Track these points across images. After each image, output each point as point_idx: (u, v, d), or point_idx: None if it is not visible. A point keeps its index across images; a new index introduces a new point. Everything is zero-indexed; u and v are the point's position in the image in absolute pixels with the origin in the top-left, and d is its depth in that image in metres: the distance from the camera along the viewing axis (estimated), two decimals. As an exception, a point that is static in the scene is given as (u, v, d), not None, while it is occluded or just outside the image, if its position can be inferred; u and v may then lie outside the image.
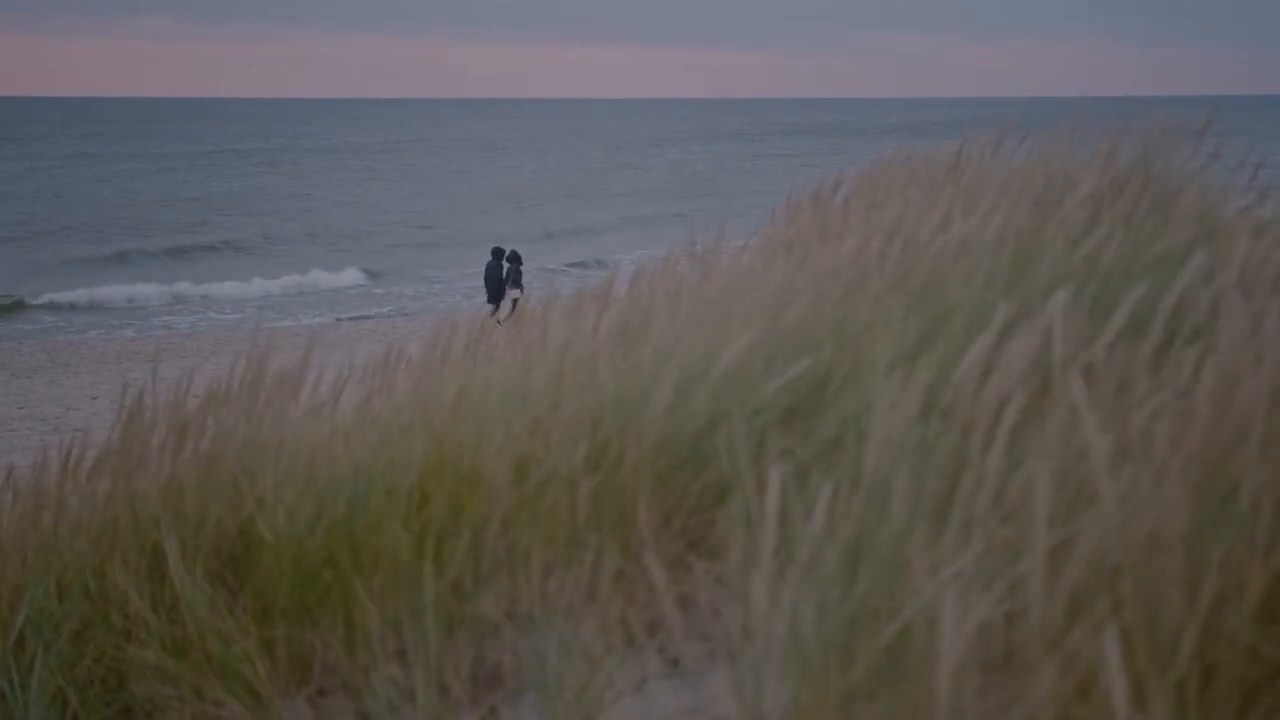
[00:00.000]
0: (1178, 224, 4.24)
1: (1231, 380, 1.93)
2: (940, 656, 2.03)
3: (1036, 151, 5.45)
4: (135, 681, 3.43)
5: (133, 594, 3.50)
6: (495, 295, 18.24)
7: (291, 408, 4.10)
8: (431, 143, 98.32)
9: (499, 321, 5.04)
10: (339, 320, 30.38)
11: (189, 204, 52.19)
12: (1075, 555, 2.11)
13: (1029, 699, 1.95)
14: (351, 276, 38.21)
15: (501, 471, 3.69)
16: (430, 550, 3.51)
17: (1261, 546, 1.94)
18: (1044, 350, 2.25)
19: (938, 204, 4.10)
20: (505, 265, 18.64)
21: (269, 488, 3.77)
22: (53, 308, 31.40)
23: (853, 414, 3.39)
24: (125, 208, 50.85)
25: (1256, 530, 1.98)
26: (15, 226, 43.15)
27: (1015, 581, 2.06)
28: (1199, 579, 1.95)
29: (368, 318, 30.76)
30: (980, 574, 2.07)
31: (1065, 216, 4.07)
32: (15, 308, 32.05)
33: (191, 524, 3.73)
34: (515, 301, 5.95)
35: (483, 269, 19.27)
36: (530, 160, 77.43)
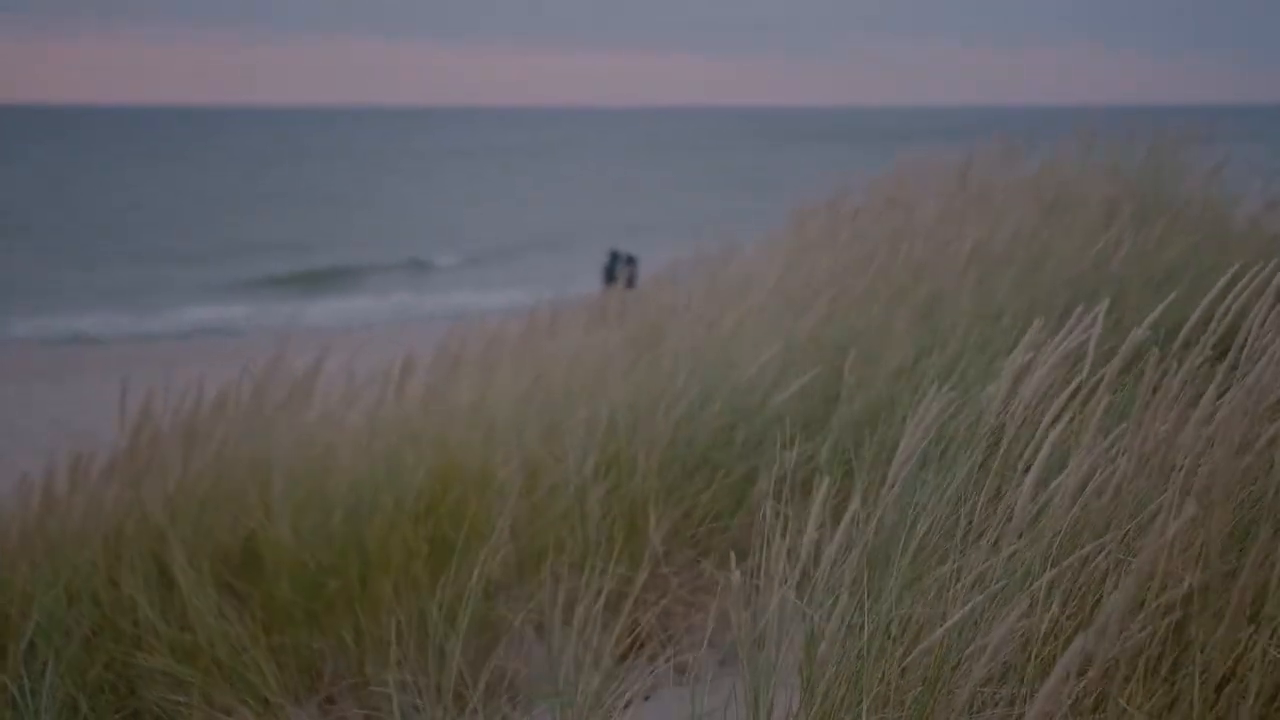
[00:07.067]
0: (1188, 232, 4.24)
1: (1260, 392, 1.92)
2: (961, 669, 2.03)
3: (1045, 159, 5.46)
4: (145, 688, 3.42)
5: (141, 601, 3.50)
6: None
7: (301, 415, 4.10)
8: (498, 148, 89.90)
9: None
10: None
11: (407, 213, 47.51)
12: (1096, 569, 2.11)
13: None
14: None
15: (512, 478, 3.69)
16: (440, 557, 3.52)
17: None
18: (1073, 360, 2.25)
19: (950, 212, 4.10)
20: (621, 265, 19.49)
21: (277, 495, 3.77)
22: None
23: (866, 421, 3.39)
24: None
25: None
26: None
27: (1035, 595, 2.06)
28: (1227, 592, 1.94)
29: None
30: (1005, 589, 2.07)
31: (1076, 223, 4.07)
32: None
33: (199, 531, 3.73)
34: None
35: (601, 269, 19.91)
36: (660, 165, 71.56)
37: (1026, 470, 2.14)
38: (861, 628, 2.21)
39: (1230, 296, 2.29)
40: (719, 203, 39.80)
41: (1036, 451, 2.08)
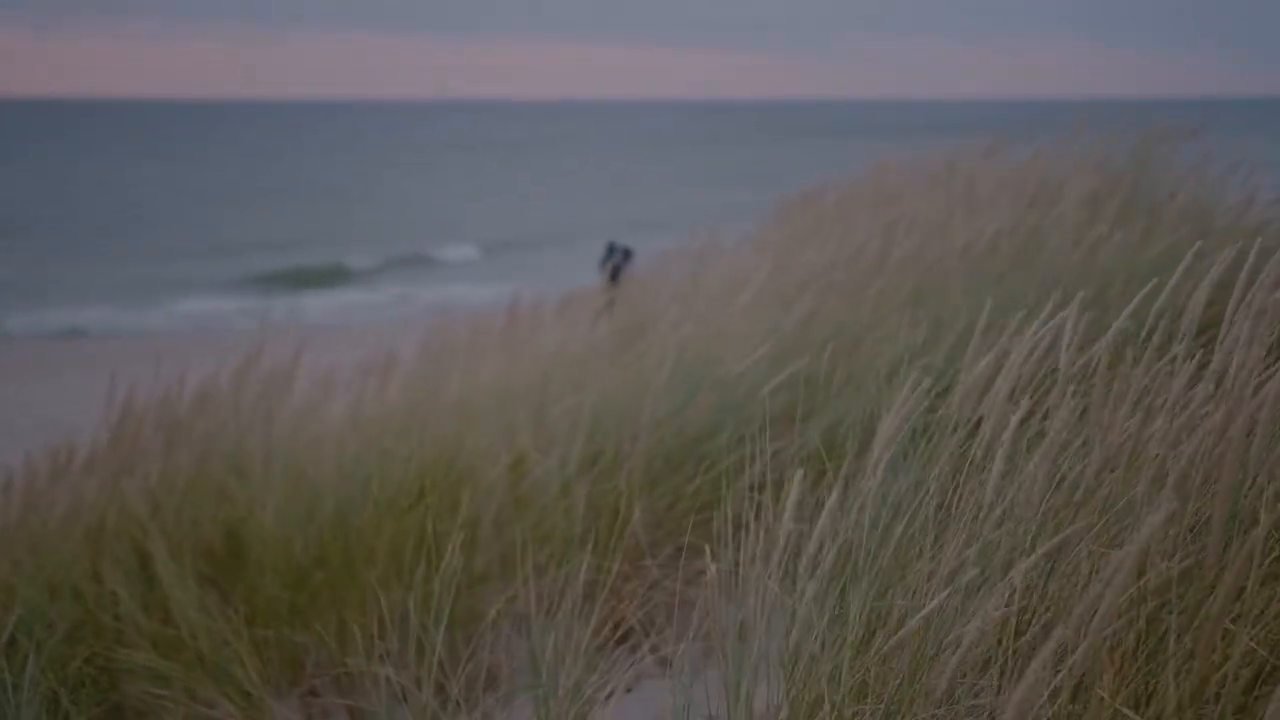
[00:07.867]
0: (1172, 225, 4.23)
1: (1235, 380, 1.91)
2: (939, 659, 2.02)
3: (1032, 153, 5.45)
4: (127, 682, 3.42)
5: (123, 595, 3.49)
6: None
7: (285, 407, 4.09)
8: (500, 143, 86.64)
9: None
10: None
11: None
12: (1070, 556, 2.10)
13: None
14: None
15: (497, 471, 3.69)
16: (425, 550, 3.50)
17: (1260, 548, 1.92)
18: (1048, 352, 2.24)
19: (936, 205, 4.08)
20: (615, 258, 19.31)
21: (259, 488, 3.76)
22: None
23: (853, 416, 3.38)
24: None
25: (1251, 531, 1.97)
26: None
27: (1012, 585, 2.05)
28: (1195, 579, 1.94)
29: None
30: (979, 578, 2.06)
31: (1062, 217, 4.06)
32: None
33: (181, 524, 3.72)
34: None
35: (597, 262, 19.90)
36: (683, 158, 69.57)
37: (1005, 460, 2.13)
38: (842, 619, 2.21)
39: (1203, 287, 2.28)
40: (720, 197, 39.37)
41: (1011, 443, 2.07)
